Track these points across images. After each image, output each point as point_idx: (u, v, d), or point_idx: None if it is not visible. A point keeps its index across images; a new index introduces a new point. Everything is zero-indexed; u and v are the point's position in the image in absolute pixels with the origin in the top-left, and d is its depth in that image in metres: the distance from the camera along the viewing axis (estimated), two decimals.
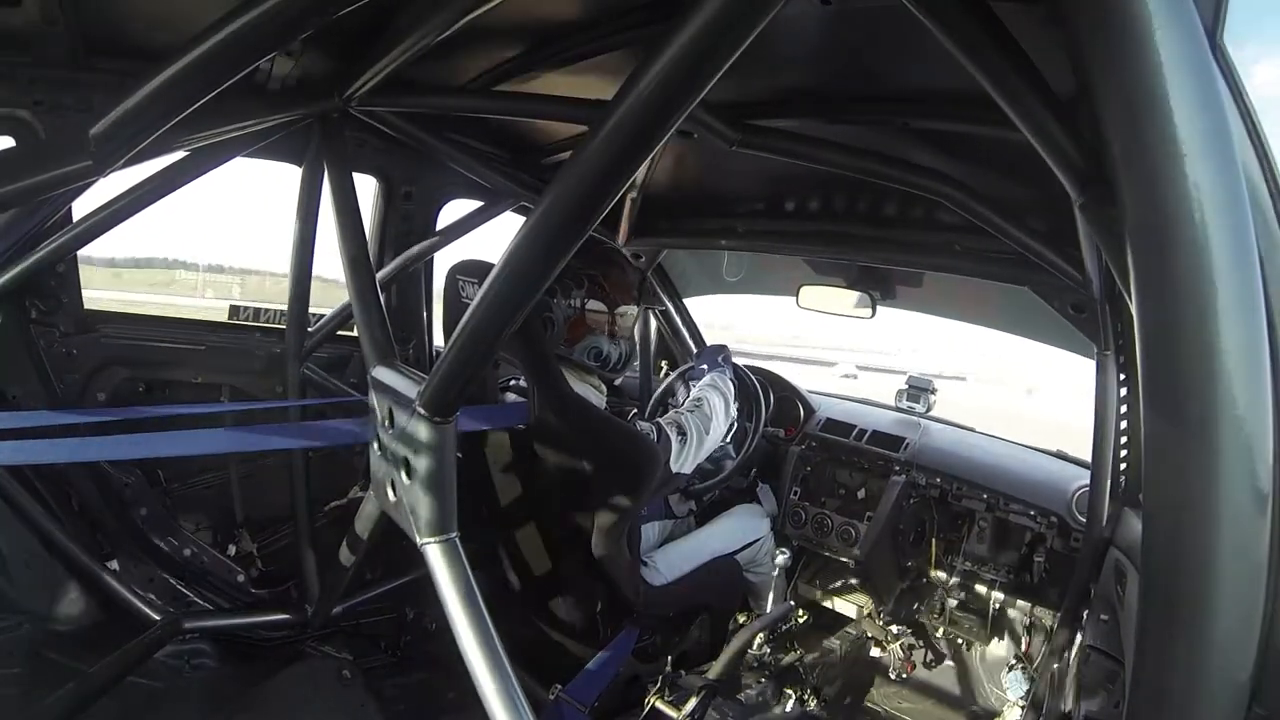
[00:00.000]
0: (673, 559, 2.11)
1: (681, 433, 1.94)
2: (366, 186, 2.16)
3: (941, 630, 2.46)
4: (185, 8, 1.31)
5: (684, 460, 1.93)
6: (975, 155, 1.53)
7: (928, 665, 2.45)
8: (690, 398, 2.13)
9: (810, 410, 2.75)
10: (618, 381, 2.12)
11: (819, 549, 2.51)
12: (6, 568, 1.70)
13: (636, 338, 2.17)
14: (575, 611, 2.03)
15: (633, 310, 2.04)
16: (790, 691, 2.08)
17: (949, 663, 2.44)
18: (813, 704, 2.22)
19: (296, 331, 2.02)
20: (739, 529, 2.33)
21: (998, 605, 2.25)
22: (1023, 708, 2.09)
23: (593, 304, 1.95)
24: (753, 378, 2.59)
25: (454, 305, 1.91)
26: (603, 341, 1.95)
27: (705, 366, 2.32)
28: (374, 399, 1.24)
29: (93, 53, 1.46)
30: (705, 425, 2.00)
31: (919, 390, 2.71)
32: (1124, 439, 1.74)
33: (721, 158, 1.77)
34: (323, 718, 1.74)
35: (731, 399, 2.17)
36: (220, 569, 2.11)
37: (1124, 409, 1.72)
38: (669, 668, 1.87)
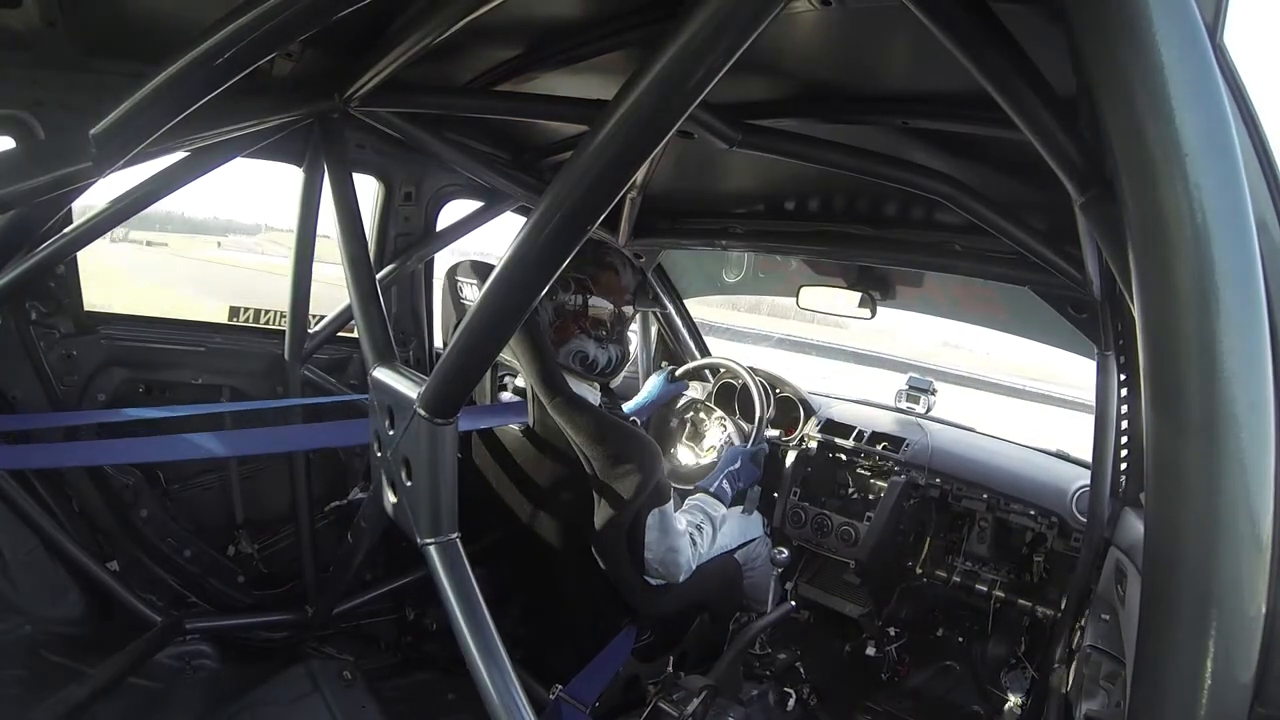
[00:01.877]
0: None
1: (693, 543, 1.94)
2: (367, 187, 2.16)
3: (942, 630, 2.46)
4: (185, 8, 1.31)
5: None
6: (975, 155, 1.53)
7: (928, 665, 2.45)
8: (692, 521, 2.03)
9: (810, 411, 2.75)
10: (614, 384, 2.08)
11: (819, 549, 2.51)
12: (7, 569, 1.70)
13: (634, 342, 2.13)
14: (575, 611, 2.03)
15: (625, 314, 1.98)
16: (791, 691, 2.08)
17: (949, 663, 2.44)
18: (813, 704, 2.22)
19: (297, 333, 2.02)
20: (734, 529, 2.33)
21: (998, 605, 2.25)
22: (1023, 707, 2.08)
23: (579, 306, 1.88)
24: (754, 380, 2.59)
25: (454, 306, 1.91)
26: (589, 346, 1.89)
27: (729, 478, 2.23)
28: (374, 400, 1.24)
29: (92, 53, 1.46)
30: (693, 555, 1.94)
31: (919, 391, 2.71)
32: (1124, 439, 1.74)
33: (721, 158, 1.77)
34: (323, 718, 1.74)
35: (719, 526, 2.09)
36: (221, 570, 2.11)
37: (1124, 409, 1.72)
38: (670, 668, 1.86)
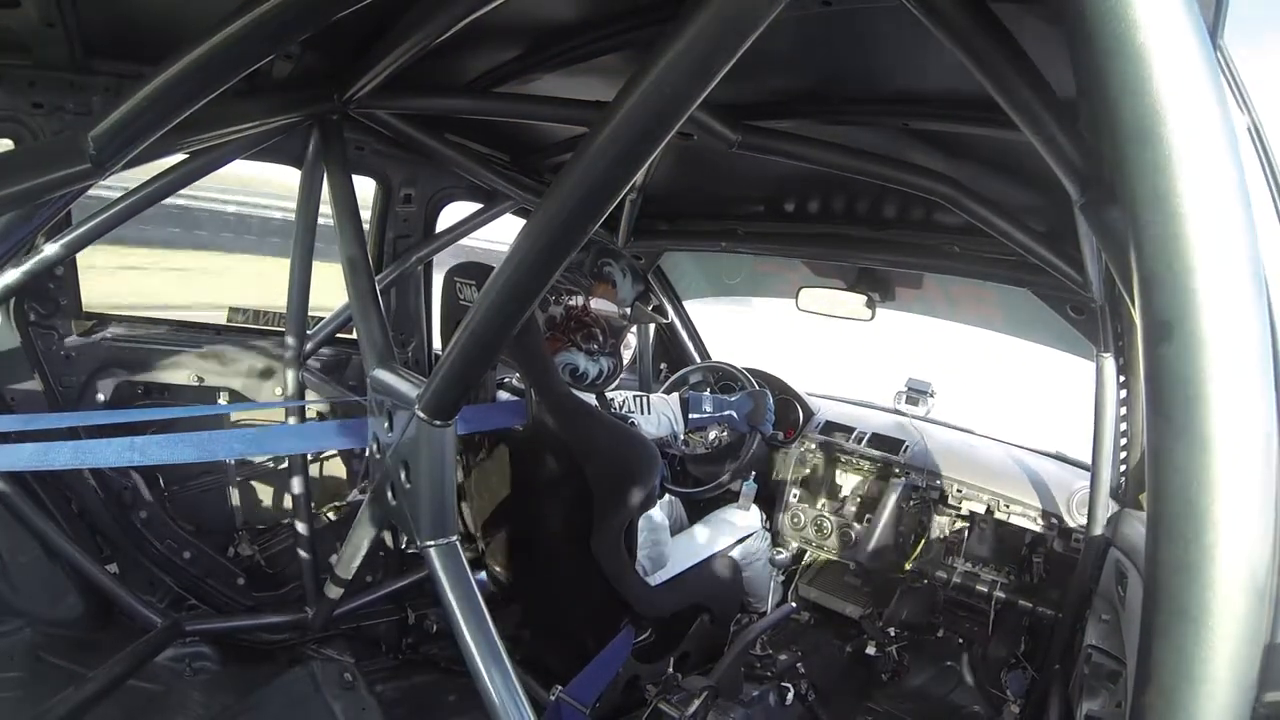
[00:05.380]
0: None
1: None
2: (366, 188, 2.15)
3: (942, 631, 2.46)
4: (184, 10, 1.31)
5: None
6: (975, 156, 1.53)
7: (928, 666, 2.45)
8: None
9: (810, 413, 2.75)
10: (610, 394, 2.08)
11: (819, 550, 2.51)
12: (6, 571, 1.70)
13: (626, 355, 2.12)
14: (574, 612, 2.03)
15: (619, 327, 1.97)
16: (789, 687, 2.08)
17: (949, 663, 2.44)
18: (814, 704, 2.22)
19: (296, 334, 2.01)
20: (729, 525, 2.34)
21: (998, 606, 2.25)
22: (1023, 708, 2.08)
23: (570, 318, 1.87)
24: (753, 382, 2.58)
25: (453, 308, 1.91)
26: (578, 358, 1.89)
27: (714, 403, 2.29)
28: (373, 402, 1.24)
29: (92, 55, 1.46)
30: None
31: (918, 393, 2.71)
32: (1123, 440, 1.74)
33: (721, 159, 1.77)
34: None
35: (671, 424, 2.15)
36: (220, 572, 2.11)
37: (1123, 410, 1.72)
38: (670, 669, 1.86)
